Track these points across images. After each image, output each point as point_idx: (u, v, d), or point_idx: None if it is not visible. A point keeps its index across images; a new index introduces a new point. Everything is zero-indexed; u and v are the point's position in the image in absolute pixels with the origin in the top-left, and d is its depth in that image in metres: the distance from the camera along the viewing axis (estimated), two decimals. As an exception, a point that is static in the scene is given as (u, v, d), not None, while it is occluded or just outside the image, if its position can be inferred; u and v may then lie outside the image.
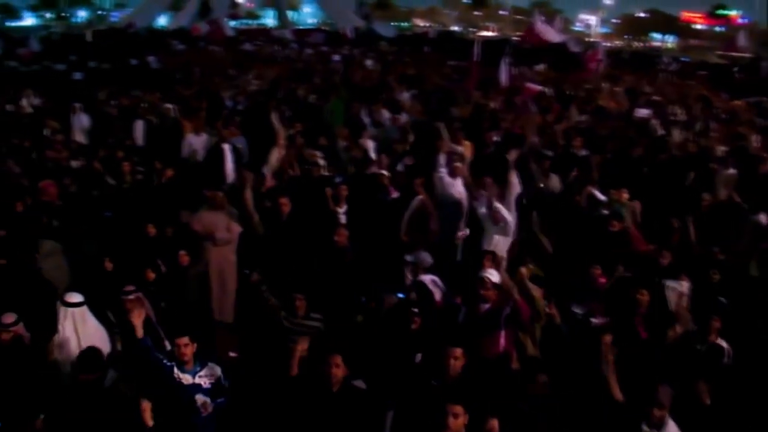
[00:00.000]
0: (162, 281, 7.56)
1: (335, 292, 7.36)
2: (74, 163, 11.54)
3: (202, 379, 5.47)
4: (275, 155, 10.60)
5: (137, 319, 5.54)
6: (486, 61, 18.73)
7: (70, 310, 5.76)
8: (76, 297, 5.88)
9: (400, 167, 10.72)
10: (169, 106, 15.59)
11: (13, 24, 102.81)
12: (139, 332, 5.52)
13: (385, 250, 8.71)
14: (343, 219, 9.27)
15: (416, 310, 6.32)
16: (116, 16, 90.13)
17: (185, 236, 8.55)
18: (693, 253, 8.34)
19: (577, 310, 7.35)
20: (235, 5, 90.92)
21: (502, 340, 6.26)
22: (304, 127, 13.85)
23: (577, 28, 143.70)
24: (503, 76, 19.32)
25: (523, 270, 6.97)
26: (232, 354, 7.82)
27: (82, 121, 14.84)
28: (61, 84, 20.02)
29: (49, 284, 6.96)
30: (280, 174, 10.27)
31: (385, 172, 10.04)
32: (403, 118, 15.10)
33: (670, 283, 7.26)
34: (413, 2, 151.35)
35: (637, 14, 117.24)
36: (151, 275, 7.58)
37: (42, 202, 9.01)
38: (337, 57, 31.34)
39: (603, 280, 7.53)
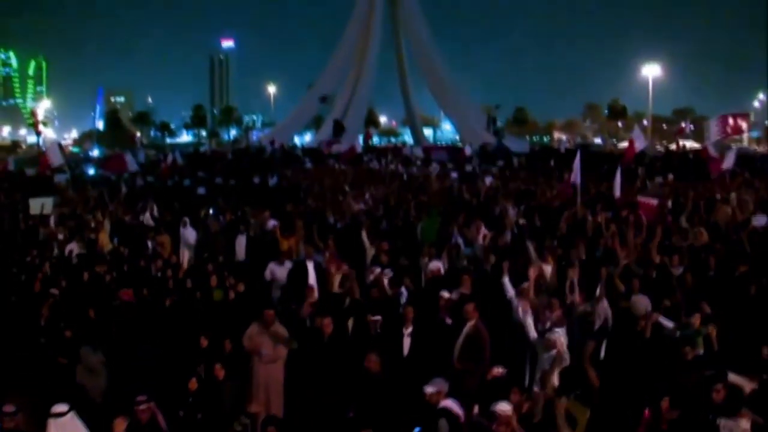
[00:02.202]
0: (200, 393, 7.71)
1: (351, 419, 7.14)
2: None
3: None
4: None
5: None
6: (594, 174, 18.35)
7: (54, 420, 6.01)
8: (60, 407, 6.15)
9: (454, 294, 10.34)
10: (272, 222, 16.34)
11: (171, 141, 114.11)
12: None
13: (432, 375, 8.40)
14: (407, 341, 9.14)
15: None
16: (257, 135, 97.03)
17: (238, 350, 8.73)
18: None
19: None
20: (375, 123, 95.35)
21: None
22: (392, 245, 13.95)
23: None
24: (617, 189, 18.74)
25: (560, 404, 6.45)
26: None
27: (188, 234, 15.85)
28: (184, 199, 21.56)
29: (77, 387, 7.35)
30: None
31: (445, 295, 9.81)
32: (506, 236, 15.01)
33: (726, 422, 6.42)
34: (553, 115, 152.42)
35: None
36: (194, 385, 7.78)
37: (114, 309, 9.64)
38: (455, 174, 31.57)
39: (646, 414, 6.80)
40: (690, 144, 57.82)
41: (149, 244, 15.04)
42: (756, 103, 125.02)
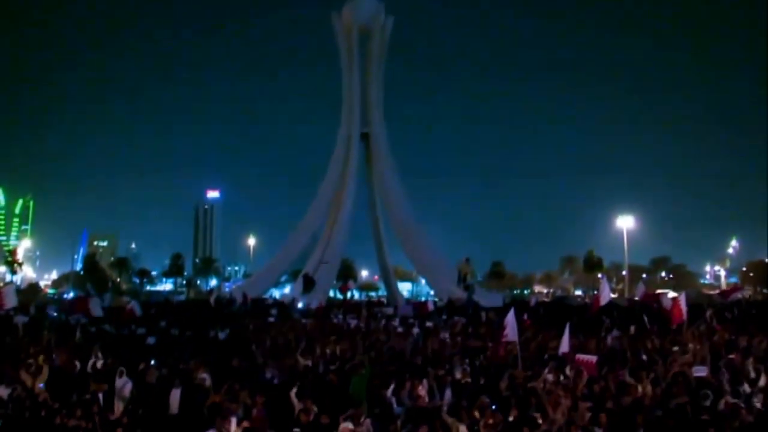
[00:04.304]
0: None
1: None
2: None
3: None
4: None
5: None
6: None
7: None
8: None
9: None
10: (205, 376, 16.21)
11: (152, 288, 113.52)
12: None
13: None
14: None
15: None
16: (229, 286, 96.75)
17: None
18: None
19: None
20: (353, 278, 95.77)
21: None
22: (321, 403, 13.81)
23: (706, 281, 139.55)
24: (564, 345, 18.75)
25: None
26: None
27: (122, 385, 15.62)
28: (130, 348, 21.38)
29: None
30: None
31: None
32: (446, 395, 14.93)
33: None
34: (530, 268, 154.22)
35: (765, 259, 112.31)
36: None
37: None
38: (417, 329, 31.41)
39: None
40: (670, 294, 58.01)
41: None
42: (730, 250, 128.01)
